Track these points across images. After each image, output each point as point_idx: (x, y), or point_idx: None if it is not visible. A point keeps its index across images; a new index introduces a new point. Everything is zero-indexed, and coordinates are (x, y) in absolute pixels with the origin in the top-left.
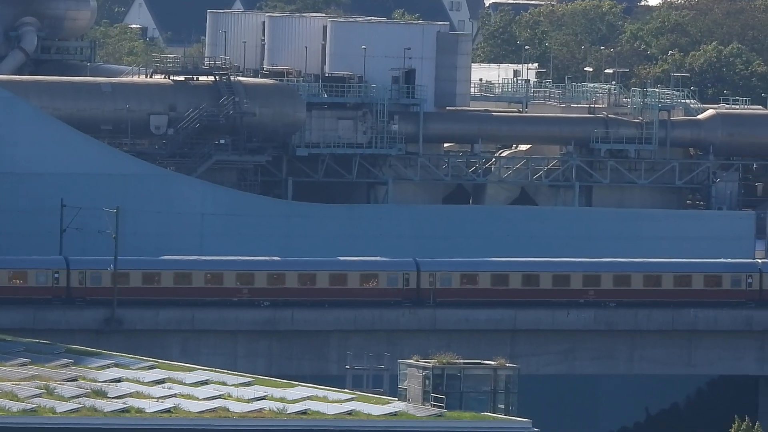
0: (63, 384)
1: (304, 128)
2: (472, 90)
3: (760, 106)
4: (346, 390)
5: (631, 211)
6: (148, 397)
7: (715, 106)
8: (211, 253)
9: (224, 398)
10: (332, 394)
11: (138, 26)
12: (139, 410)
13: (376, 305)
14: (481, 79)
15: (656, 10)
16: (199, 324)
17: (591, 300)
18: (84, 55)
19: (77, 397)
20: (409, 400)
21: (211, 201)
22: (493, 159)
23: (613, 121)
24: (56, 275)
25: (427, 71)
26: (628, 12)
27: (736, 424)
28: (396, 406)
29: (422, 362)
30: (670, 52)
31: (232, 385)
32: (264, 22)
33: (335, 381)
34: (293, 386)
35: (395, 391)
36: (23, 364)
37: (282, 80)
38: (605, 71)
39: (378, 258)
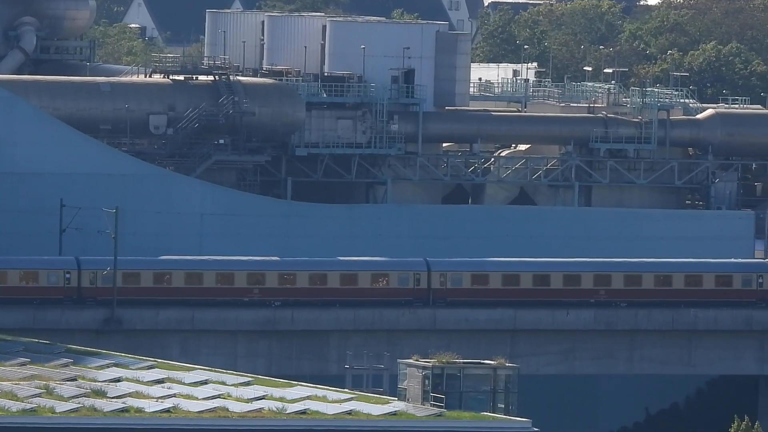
0: (62, 384)
1: (303, 128)
2: (472, 90)
3: (759, 106)
4: (345, 390)
5: (631, 210)
6: (148, 396)
7: (715, 105)
8: (211, 253)
9: (224, 398)
10: (332, 393)
11: (137, 26)
12: (139, 410)
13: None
14: (480, 79)
15: (655, 9)
16: (198, 324)
17: (602, 300)
18: (83, 55)
19: (77, 396)
20: (408, 399)
21: (211, 201)
22: (493, 159)
23: (612, 121)
24: (67, 275)
25: (426, 71)
26: (627, 11)
27: (736, 424)
28: (396, 405)
29: (422, 362)
30: (669, 51)
31: (231, 385)
32: (263, 22)
33: (335, 381)
34: (293, 386)
35: (395, 391)
36: (23, 364)
37: (281, 80)
38: (604, 71)
39: (389, 258)
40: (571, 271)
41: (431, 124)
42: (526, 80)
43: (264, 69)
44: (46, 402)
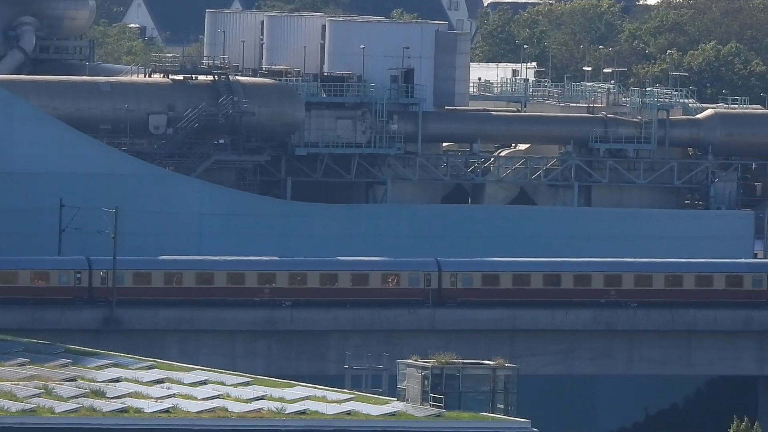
0: (62, 384)
1: (302, 128)
2: (471, 89)
3: (758, 106)
4: (344, 390)
5: (630, 210)
6: (147, 397)
7: (714, 105)
8: (210, 253)
9: (223, 398)
10: (331, 394)
11: (137, 26)
12: (138, 410)
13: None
14: (479, 79)
15: (654, 9)
16: (197, 324)
17: (612, 300)
18: (83, 55)
19: (76, 397)
20: (407, 400)
21: (210, 201)
22: (492, 158)
23: (611, 121)
24: (78, 275)
25: (425, 71)
26: (626, 11)
27: (735, 424)
28: (395, 406)
29: (421, 362)
30: (669, 51)
31: (230, 385)
32: (263, 22)
33: (334, 381)
34: (292, 386)
35: (394, 391)
36: (22, 364)
37: (281, 80)
38: (604, 70)
39: (400, 258)
40: (581, 271)
41: (431, 123)
42: (526, 80)
43: (263, 69)
44: (45, 402)
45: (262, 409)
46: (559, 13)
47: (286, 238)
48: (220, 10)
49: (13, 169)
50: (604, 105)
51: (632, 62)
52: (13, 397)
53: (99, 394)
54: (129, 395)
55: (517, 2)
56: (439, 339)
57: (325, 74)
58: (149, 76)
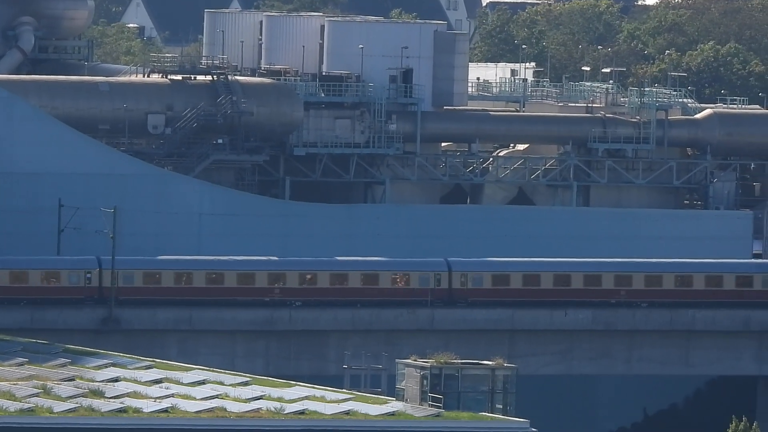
0: (60, 384)
1: (301, 128)
2: (470, 89)
3: (757, 106)
4: (344, 390)
5: (629, 210)
6: (146, 396)
7: (713, 105)
8: (209, 253)
9: (222, 398)
10: (330, 393)
11: (135, 25)
12: (137, 410)
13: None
14: (478, 79)
15: (653, 9)
16: (197, 324)
17: (623, 300)
18: (81, 55)
19: (74, 396)
20: (406, 400)
21: (209, 201)
22: (491, 159)
23: (610, 121)
24: (88, 275)
25: (424, 70)
26: (625, 11)
27: (734, 425)
28: (394, 406)
29: (420, 362)
30: (668, 51)
31: (229, 385)
32: (261, 22)
33: (333, 381)
34: (291, 386)
35: (393, 391)
36: (21, 364)
37: (279, 79)
38: (602, 70)
39: (410, 258)
40: (592, 271)
41: (429, 123)
42: (525, 80)
43: (262, 69)
44: (43, 402)
45: (261, 409)
46: (558, 13)
47: (285, 238)
48: (219, 10)
49: (13, 169)
50: (602, 105)
51: (631, 62)
52: (11, 396)
53: (98, 393)
54: (128, 395)
55: (516, 2)
56: (438, 339)
57: (324, 74)
58: (148, 76)
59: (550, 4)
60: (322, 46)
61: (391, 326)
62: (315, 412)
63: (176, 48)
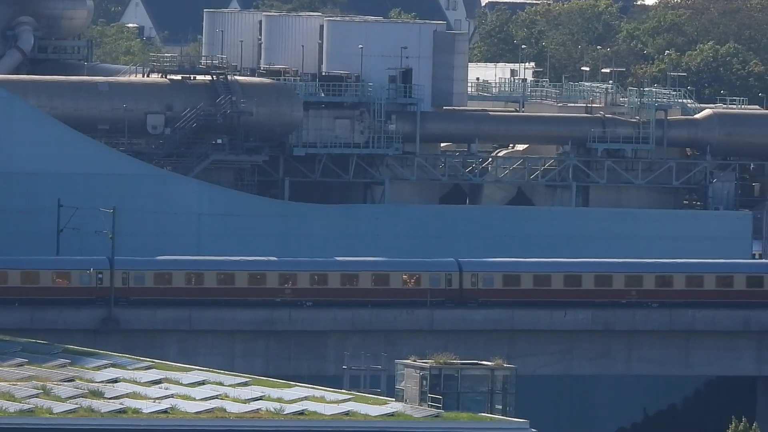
0: (60, 384)
1: (301, 128)
2: (469, 89)
3: (756, 106)
4: (343, 390)
5: (628, 211)
6: (145, 397)
7: (712, 105)
8: (208, 253)
9: (221, 398)
10: (329, 394)
11: (135, 25)
12: (136, 411)
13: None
14: (477, 79)
15: (652, 9)
16: (196, 324)
17: (633, 300)
18: (81, 55)
19: (74, 397)
20: (406, 400)
21: (208, 201)
22: (490, 159)
23: (610, 121)
24: (100, 276)
25: (424, 70)
26: (624, 11)
27: (734, 425)
28: (393, 406)
29: (419, 362)
30: (667, 51)
31: (229, 386)
32: (261, 21)
33: (333, 381)
34: (290, 386)
35: (392, 392)
36: (20, 365)
37: (279, 79)
38: (602, 71)
39: (421, 258)
40: (602, 271)
41: (429, 123)
42: (524, 80)
43: (261, 68)
44: (43, 402)
45: (260, 409)
46: (557, 13)
47: (284, 238)
48: (218, 10)
49: (13, 169)
50: (602, 105)
51: (630, 62)
52: (11, 397)
53: (97, 394)
54: (127, 396)
55: (515, 2)
56: (437, 339)
57: (324, 74)
58: (147, 76)
59: (549, 4)
60: (321, 46)
61: (390, 327)
62: (314, 412)
63: (175, 48)
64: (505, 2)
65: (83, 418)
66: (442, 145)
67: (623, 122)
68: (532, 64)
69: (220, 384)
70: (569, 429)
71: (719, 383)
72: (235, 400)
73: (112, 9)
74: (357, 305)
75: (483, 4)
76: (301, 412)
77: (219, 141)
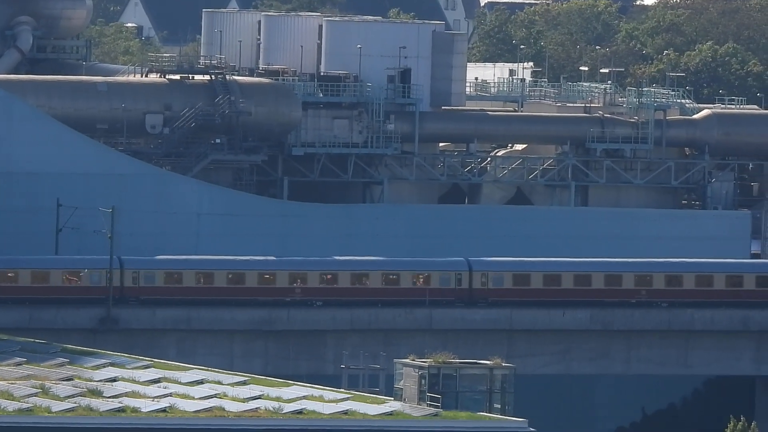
0: (58, 383)
1: (299, 127)
2: (468, 89)
3: (755, 106)
4: (342, 390)
5: (627, 210)
6: (144, 396)
7: (711, 105)
8: (207, 253)
9: (220, 398)
10: (328, 393)
11: (133, 25)
12: (135, 410)
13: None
14: (476, 79)
15: (651, 9)
16: (195, 324)
17: (643, 300)
18: (80, 54)
19: (73, 396)
20: (405, 399)
21: (207, 201)
22: (489, 158)
23: (608, 121)
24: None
25: (422, 70)
26: (623, 11)
27: (732, 425)
28: (392, 405)
29: (418, 362)
30: (666, 51)
31: (227, 385)
32: (259, 21)
33: (331, 380)
34: (289, 386)
35: (391, 391)
36: (19, 364)
37: (278, 79)
38: (601, 71)
39: (431, 258)
40: (612, 271)
41: (428, 123)
42: (523, 80)
43: (260, 68)
44: (42, 402)
45: (259, 408)
46: (556, 13)
47: (284, 238)
48: (217, 10)
49: (12, 168)
50: (601, 105)
51: (629, 62)
52: (9, 396)
53: (96, 393)
54: (126, 395)
55: (514, 2)
56: (436, 339)
57: (322, 74)
58: (146, 76)
59: (548, 4)
60: (320, 46)
61: (389, 326)
62: (313, 411)
63: (174, 48)
64: (504, 2)
65: (82, 417)
66: (441, 144)
67: (622, 122)
68: (531, 64)
69: (219, 383)
70: (568, 429)
71: (718, 383)
72: (233, 399)
73: (111, 9)
74: (357, 305)
75: (482, 4)
76: (300, 412)
77: (218, 141)
